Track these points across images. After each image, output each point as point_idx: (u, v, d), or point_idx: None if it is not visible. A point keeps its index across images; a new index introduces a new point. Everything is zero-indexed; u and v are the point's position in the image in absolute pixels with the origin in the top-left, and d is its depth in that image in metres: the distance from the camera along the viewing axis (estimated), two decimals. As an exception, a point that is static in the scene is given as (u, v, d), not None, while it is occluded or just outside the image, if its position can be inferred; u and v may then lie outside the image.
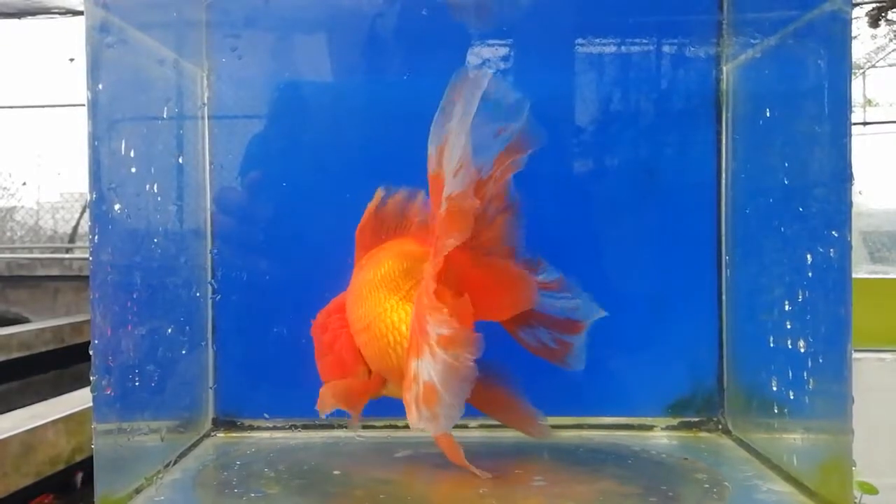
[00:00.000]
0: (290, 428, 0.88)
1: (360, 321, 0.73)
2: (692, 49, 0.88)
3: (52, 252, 5.11)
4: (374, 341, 0.71)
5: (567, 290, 0.74)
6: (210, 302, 0.88)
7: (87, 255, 0.67)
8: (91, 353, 0.66)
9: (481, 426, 0.87)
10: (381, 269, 0.73)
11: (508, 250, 0.70)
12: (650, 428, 0.88)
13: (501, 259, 0.70)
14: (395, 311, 0.70)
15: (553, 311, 0.74)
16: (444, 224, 0.61)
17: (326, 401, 0.72)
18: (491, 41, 0.87)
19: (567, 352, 0.74)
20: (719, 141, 0.88)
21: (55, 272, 4.10)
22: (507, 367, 0.73)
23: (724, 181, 0.88)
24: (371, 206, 0.76)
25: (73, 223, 5.36)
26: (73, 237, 5.28)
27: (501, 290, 0.70)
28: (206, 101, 0.88)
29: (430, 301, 0.61)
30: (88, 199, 0.68)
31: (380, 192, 0.76)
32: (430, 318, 0.60)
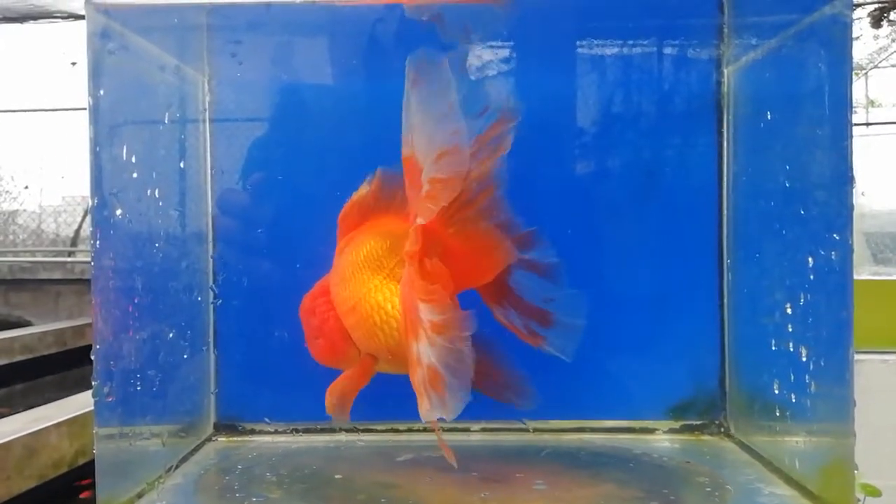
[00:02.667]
0: (291, 432, 0.88)
1: (345, 303, 0.73)
2: (693, 52, 0.87)
3: (54, 255, 5.11)
4: (361, 322, 0.71)
5: (552, 277, 0.73)
6: (211, 307, 0.88)
7: (88, 259, 0.68)
8: (93, 357, 0.66)
9: (483, 430, 0.87)
10: (364, 250, 0.73)
11: (493, 223, 0.70)
12: (652, 431, 0.87)
13: (486, 228, 0.70)
14: (380, 290, 0.70)
15: (527, 296, 0.73)
16: (423, 206, 0.62)
17: (333, 402, 0.74)
18: (492, 44, 0.87)
19: (540, 343, 0.73)
20: (720, 144, 0.88)
21: (57, 275, 4.11)
22: (492, 337, 0.72)
23: (725, 184, 0.88)
24: (357, 194, 0.76)
25: (75, 227, 5.37)
26: (75, 241, 5.28)
27: (478, 255, 0.70)
28: (207, 106, 0.88)
29: (419, 284, 0.61)
30: (90, 204, 0.68)
31: (368, 181, 0.76)
32: (420, 303, 0.61)
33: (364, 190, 0.77)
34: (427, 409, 0.61)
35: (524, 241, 0.72)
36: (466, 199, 0.68)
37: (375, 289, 0.71)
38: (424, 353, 0.61)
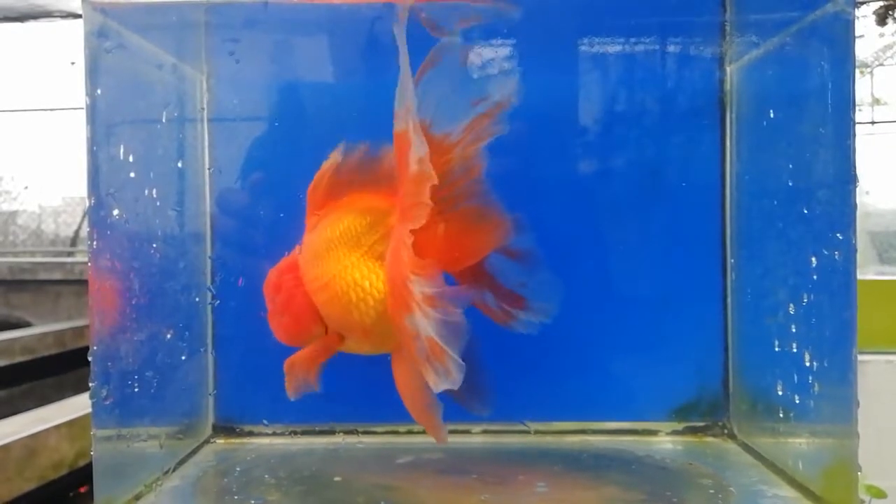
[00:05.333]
0: (290, 434, 0.87)
1: (317, 280, 0.72)
2: (696, 50, 0.87)
3: (54, 256, 5.11)
4: (334, 300, 0.70)
5: (528, 263, 0.72)
6: (209, 307, 0.87)
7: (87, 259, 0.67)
8: (90, 359, 0.66)
9: (484, 432, 0.86)
10: (340, 226, 0.72)
11: (476, 206, 0.70)
12: (655, 433, 0.87)
13: (470, 211, 0.70)
14: (357, 267, 0.69)
15: (501, 278, 0.73)
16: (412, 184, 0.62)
17: (291, 378, 0.72)
18: (494, 43, 0.86)
19: (508, 319, 0.73)
20: (723, 142, 0.87)
21: (57, 276, 4.11)
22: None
23: (728, 182, 0.87)
24: (326, 165, 0.74)
25: (74, 227, 5.38)
26: (74, 241, 5.29)
27: (470, 234, 0.70)
28: (205, 104, 0.87)
29: (409, 258, 0.61)
30: (87, 204, 0.67)
31: (337, 153, 0.74)
32: (412, 276, 0.61)
33: (333, 163, 0.74)
34: (434, 379, 0.60)
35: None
36: (450, 181, 0.68)
37: (352, 266, 0.70)
38: (422, 326, 0.60)
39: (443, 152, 0.67)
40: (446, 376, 0.60)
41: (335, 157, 0.74)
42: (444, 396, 0.65)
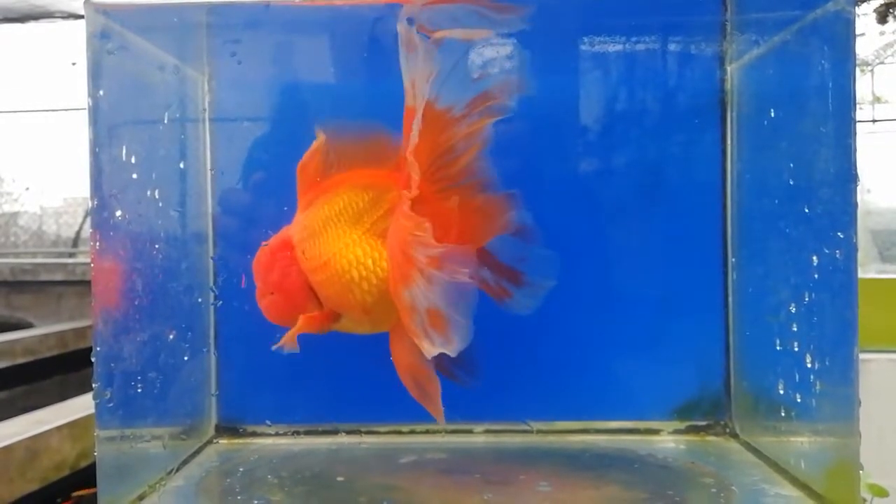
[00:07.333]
0: (293, 434, 0.87)
1: (315, 258, 0.71)
2: (696, 49, 0.87)
3: (55, 257, 5.11)
4: (334, 278, 0.69)
5: (527, 240, 0.72)
6: (212, 308, 0.87)
7: (89, 260, 0.67)
8: (93, 360, 0.66)
9: (487, 431, 0.86)
10: (340, 202, 0.71)
11: (477, 183, 0.69)
12: (657, 432, 0.87)
13: (470, 189, 0.69)
14: (359, 244, 0.69)
15: (499, 255, 0.72)
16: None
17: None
18: (494, 42, 0.86)
19: (506, 296, 0.73)
20: (724, 141, 0.87)
21: (59, 277, 4.12)
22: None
23: (729, 182, 0.87)
24: (316, 144, 0.74)
25: (76, 228, 5.37)
26: (76, 242, 5.29)
27: (471, 219, 0.69)
28: (206, 105, 0.88)
29: (411, 220, 0.61)
30: (90, 205, 0.68)
31: (321, 133, 0.74)
32: (415, 241, 0.60)
33: (320, 142, 0.74)
34: (430, 348, 0.60)
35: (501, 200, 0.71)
36: (451, 158, 0.67)
37: (354, 243, 0.69)
38: (420, 297, 0.60)
39: (447, 126, 0.66)
40: (445, 344, 0.59)
41: (319, 137, 0.74)
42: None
